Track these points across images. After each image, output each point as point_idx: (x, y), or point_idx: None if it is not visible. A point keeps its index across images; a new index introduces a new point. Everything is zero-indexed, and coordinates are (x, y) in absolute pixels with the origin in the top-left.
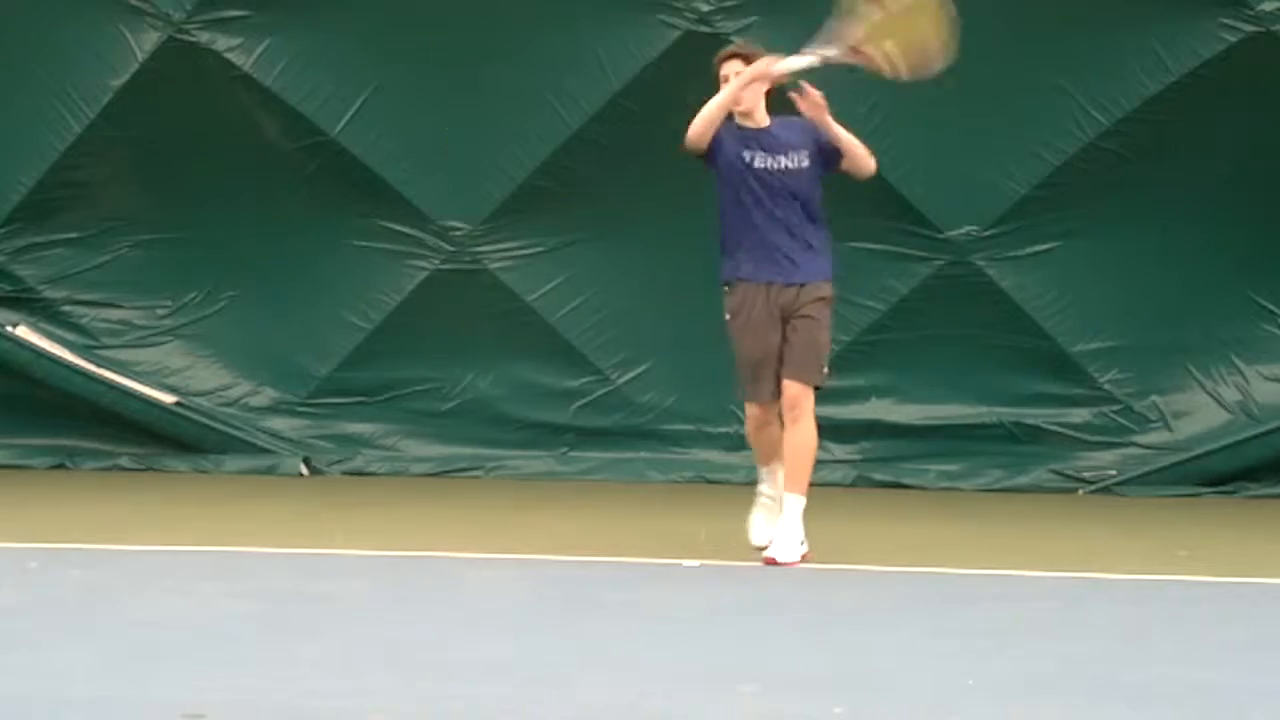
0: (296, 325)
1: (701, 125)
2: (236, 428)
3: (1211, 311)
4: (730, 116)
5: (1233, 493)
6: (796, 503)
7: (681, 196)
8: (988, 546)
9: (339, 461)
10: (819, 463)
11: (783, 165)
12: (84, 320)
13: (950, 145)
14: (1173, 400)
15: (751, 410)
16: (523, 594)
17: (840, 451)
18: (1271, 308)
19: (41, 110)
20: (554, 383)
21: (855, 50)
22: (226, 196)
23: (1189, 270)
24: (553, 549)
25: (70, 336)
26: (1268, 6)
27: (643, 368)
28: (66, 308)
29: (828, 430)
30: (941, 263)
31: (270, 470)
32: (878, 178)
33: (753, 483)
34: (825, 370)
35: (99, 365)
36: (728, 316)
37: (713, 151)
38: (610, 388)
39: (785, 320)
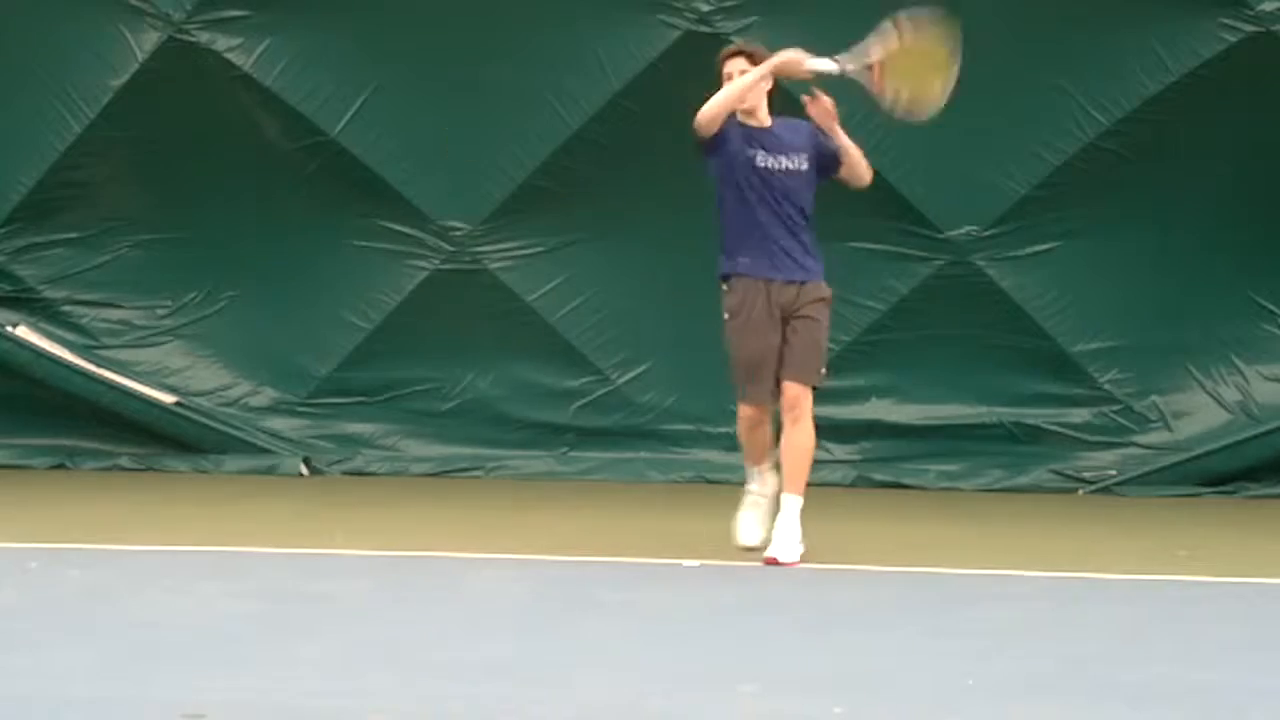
0: (296, 325)
1: (718, 108)
2: (236, 428)
3: (1211, 311)
4: (733, 114)
5: (1233, 493)
6: (796, 503)
7: (681, 196)
8: (988, 546)
9: (339, 461)
10: (819, 463)
11: (783, 165)
12: (84, 320)
13: (950, 145)
14: (1173, 400)
15: (746, 410)
16: (523, 594)
17: (840, 451)
18: (1271, 308)
19: (41, 110)
20: (554, 383)
21: (870, 71)
22: (226, 196)
23: (1189, 270)
24: (553, 549)
25: (70, 336)
26: (1268, 6)
27: (643, 368)
28: (66, 308)
29: (828, 430)
30: (941, 263)
31: (270, 470)
32: (878, 177)
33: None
34: (823, 371)
35: (99, 365)
36: (726, 316)
37: (717, 143)
38: (610, 388)
39: (785, 320)
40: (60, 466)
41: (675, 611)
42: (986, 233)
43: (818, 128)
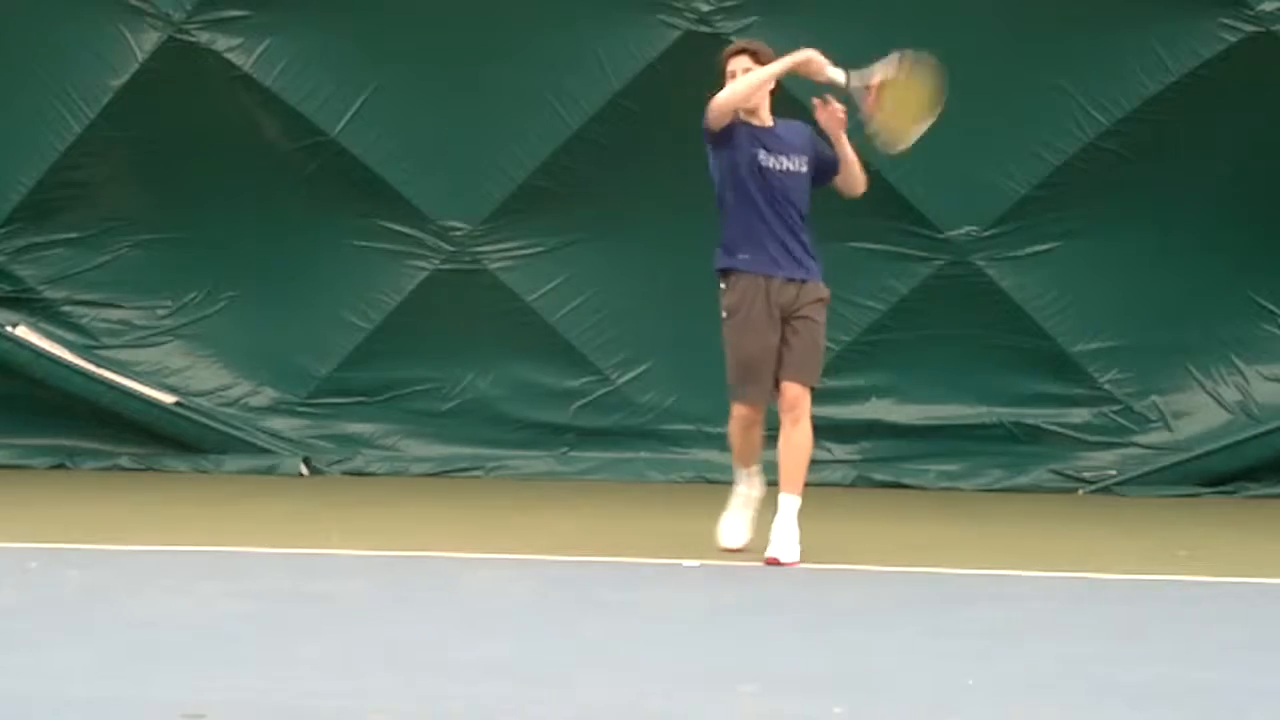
0: (296, 325)
1: (734, 100)
2: (236, 428)
3: (1211, 311)
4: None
5: (1233, 493)
6: (795, 503)
7: (681, 196)
8: (988, 546)
9: (339, 461)
10: (819, 462)
11: (784, 166)
12: (84, 320)
13: (950, 145)
14: (1173, 400)
15: (741, 411)
16: (522, 594)
17: (840, 451)
18: (1271, 308)
19: (41, 110)
20: (554, 383)
21: (868, 91)
22: (226, 196)
23: (1189, 270)
24: (552, 549)
25: (70, 336)
26: (1268, 6)
27: (643, 368)
28: (66, 308)
29: (828, 430)
30: (941, 263)
31: (270, 470)
32: (878, 178)
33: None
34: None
35: (99, 365)
36: (724, 314)
37: (725, 138)
38: (610, 388)
39: (785, 321)
40: (60, 466)
41: (675, 611)
42: (986, 233)
43: (819, 133)
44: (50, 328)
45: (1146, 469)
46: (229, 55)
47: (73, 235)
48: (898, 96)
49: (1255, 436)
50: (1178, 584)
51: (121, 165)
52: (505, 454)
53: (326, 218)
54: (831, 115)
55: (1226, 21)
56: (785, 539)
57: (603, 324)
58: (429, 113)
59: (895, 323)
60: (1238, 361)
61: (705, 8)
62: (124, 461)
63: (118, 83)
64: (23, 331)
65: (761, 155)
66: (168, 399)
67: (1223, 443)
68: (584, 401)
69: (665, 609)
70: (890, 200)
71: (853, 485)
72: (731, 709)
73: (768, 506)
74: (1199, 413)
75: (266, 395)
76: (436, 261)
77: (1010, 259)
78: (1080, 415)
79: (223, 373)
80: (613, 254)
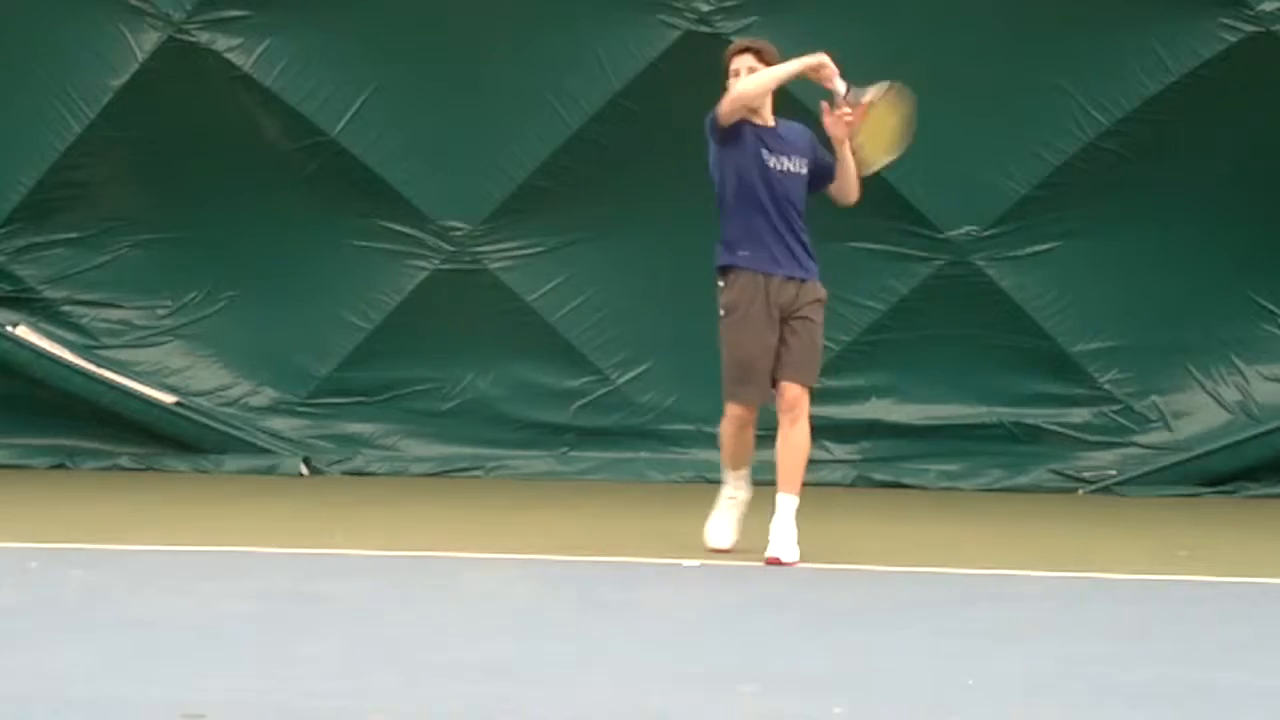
0: (296, 325)
1: (751, 93)
2: (236, 428)
3: (1211, 311)
4: None
5: (1233, 493)
6: (793, 503)
7: (681, 196)
8: (988, 546)
9: (339, 461)
10: (819, 462)
11: (785, 167)
12: (84, 320)
13: (950, 145)
14: (1173, 400)
15: (735, 411)
16: (523, 594)
17: (840, 451)
18: (1271, 308)
19: (41, 110)
20: (554, 383)
21: (858, 107)
22: (227, 196)
23: (1189, 270)
24: (553, 549)
25: (70, 336)
26: (1268, 6)
27: (643, 368)
28: (66, 308)
29: (828, 430)
30: (941, 263)
31: (270, 470)
32: (878, 177)
33: (754, 483)
34: None
35: (99, 365)
36: (722, 312)
37: (733, 135)
38: (610, 388)
39: (783, 321)
40: (60, 466)
41: (675, 611)
42: (986, 233)
43: (817, 137)
44: (50, 328)
45: (1146, 469)
46: (229, 55)
47: (73, 235)
48: (875, 123)
49: (1255, 436)
50: (1178, 584)
51: (121, 165)
52: (505, 454)
53: (326, 218)
54: (838, 121)
55: (1226, 21)
56: (785, 539)
57: (603, 324)
58: (429, 113)
59: (895, 323)
60: (1238, 361)
61: (705, 8)
62: (124, 461)
63: (118, 83)
64: (23, 331)
65: (764, 154)
66: (168, 399)
67: (1223, 443)
68: (584, 401)
69: (665, 609)
70: (890, 200)
71: (853, 485)
72: (731, 709)
73: (764, 507)
74: (1199, 413)
75: (266, 395)
76: (436, 261)
77: (1010, 259)
78: (1080, 415)
79: (223, 373)
80: (613, 254)
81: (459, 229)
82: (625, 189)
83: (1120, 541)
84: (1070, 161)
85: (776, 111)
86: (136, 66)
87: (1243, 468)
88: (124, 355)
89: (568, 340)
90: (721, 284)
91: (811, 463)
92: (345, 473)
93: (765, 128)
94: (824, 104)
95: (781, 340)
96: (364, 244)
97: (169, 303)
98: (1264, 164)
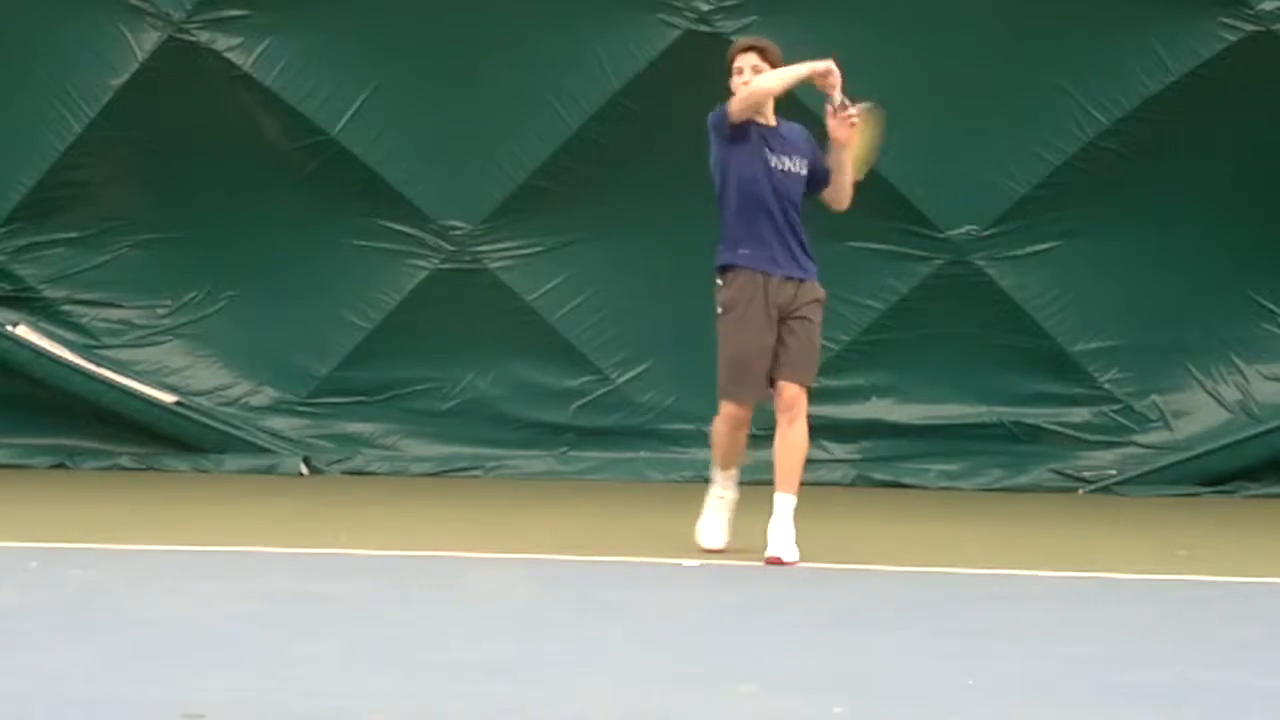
0: (296, 325)
1: (765, 92)
2: (236, 427)
3: (1211, 311)
4: None
5: (1233, 493)
6: (791, 502)
7: (681, 196)
8: (988, 546)
9: (339, 461)
10: (819, 462)
11: (786, 167)
12: (84, 320)
13: (950, 145)
14: (1173, 400)
15: (730, 410)
16: (523, 594)
17: (840, 451)
18: (1271, 308)
19: (41, 110)
20: (554, 383)
21: (847, 121)
22: (227, 196)
23: (1189, 270)
24: (553, 549)
25: (70, 336)
26: (1268, 6)
27: (643, 367)
28: (66, 307)
29: (827, 430)
30: (941, 263)
31: (270, 470)
32: (878, 178)
33: (753, 483)
34: None
35: (99, 365)
36: (719, 310)
37: (740, 134)
38: (610, 387)
39: (782, 321)
40: (60, 466)
41: (675, 611)
42: (986, 233)
43: (816, 140)
44: (50, 327)
45: (1146, 469)
46: (229, 55)
47: (73, 235)
48: (861, 138)
49: (1255, 436)
50: (1178, 584)
51: (121, 165)
52: (505, 454)
53: (326, 217)
54: (843, 124)
55: (1226, 21)
56: (784, 539)
57: (603, 323)
58: (429, 112)
59: (895, 322)
60: (1238, 361)
61: (705, 7)
62: (124, 461)
63: (118, 82)
64: (23, 331)
65: (767, 154)
66: (168, 399)
67: (1223, 442)
68: (584, 401)
69: (665, 609)
70: (890, 200)
71: (853, 485)
72: (731, 709)
73: (763, 506)
74: (1199, 412)
75: (266, 395)
76: (436, 261)
77: (1010, 259)
78: (1080, 415)
79: (223, 372)
80: (613, 254)
81: (459, 229)
82: (625, 189)
83: (1120, 541)
84: (1070, 161)
85: (778, 112)
86: (136, 66)
87: (1243, 467)
88: (124, 355)
89: (568, 340)
90: (719, 282)
91: (811, 462)
92: (345, 472)
93: (768, 127)
94: (828, 107)
95: (780, 340)
96: (364, 243)
97: (169, 302)
98: (1264, 164)
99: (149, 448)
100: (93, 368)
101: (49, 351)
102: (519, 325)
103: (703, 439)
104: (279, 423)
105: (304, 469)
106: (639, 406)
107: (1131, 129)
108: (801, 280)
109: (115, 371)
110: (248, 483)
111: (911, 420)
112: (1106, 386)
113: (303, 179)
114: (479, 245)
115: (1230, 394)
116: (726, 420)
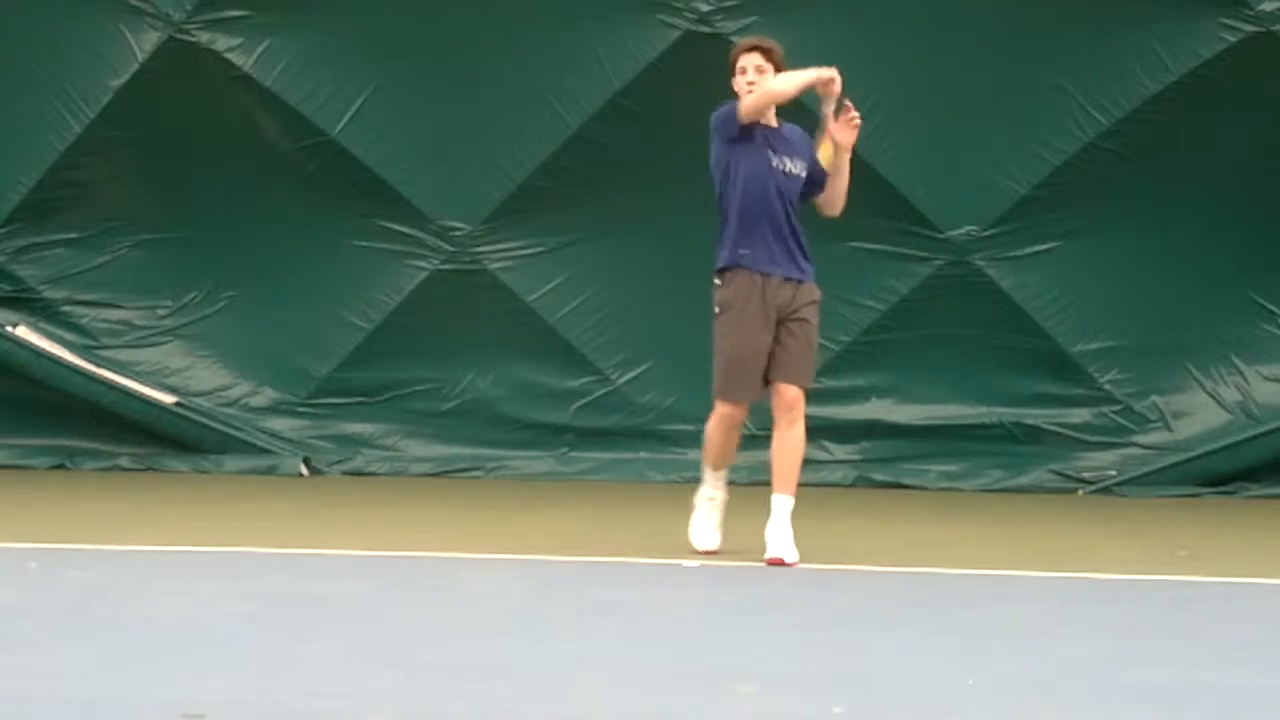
0: (296, 325)
1: (776, 95)
2: (236, 428)
3: (1211, 311)
4: None
5: (1233, 493)
6: (789, 503)
7: (681, 196)
8: (988, 546)
9: (339, 461)
10: (819, 462)
11: (788, 168)
12: (84, 320)
13: (950, 145)
14: (1173, 400)
15: (725, 410)
16: (522, 594)
17: (840, 451)
18: (1271, 308)
19: (41, 110)
20: (554, 383)
21: (852, 124)
22: (226, 196)
23: (1189, 270)
24: (553, 549)
25: (70, 336)
26: (1268, 6)
27: (643, 368)
28: (66, 308)
29: (827, 430)
30: (941, 263)
31: (270, 470)
32: (878, 178)
33: (753, 484)
34: None
35: (99, 365)
36: (717, 310)
37: (747, 133)
38: (610, 388)
39: (780, 322)
40: (60, 466)
41: (675, 611)
42: (986, 233)
43: (814, 142)
44: (50, 328)
45: (1146, 469)
46: (229, 55)
47: (73, 235)
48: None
49: (1255, 436)
50: (1178, 584)
51: (121, 165)
52: (505, 454)
53: (326, 217)
54: (847, 126)
55: (1226, 21)
56: (784, 539)
57: (603, 324)
58: (429, 113)
59: (895, 323)
60: (1238, 361)
61: (705, 8)
62: (124, 461)
63: (118, 83)
64: (23, 331)
65: (770, 155)
66: (168, 399)
67: (1223, 443)
68: (584, 402)
69: (665, 609)
70: (890, 200)
71: (853, 485)
72: (731, 709)
73: (761, 506)
74: (1199, 413)
75: (266, 395)
76: (436, 261)
77: (1010, 259)
78: (1080, 415)
79: (223, 373)
80: (613, 254)
81: (459, 229)
82: (625, 189)
83: (1120, 542)
84: (1070, 161)
85: (779, 113)
86: (136, 66)
87: (1243, 468)
88: (124, 355)
89: (568, 340)
90: (717, 282)
91: (811, 463)
92: (345, 473)
93: (771, 129)
94: (826, 112)
95: (778, 341)
96: (364, 244)
97: (169, 303)
98: (1264, 164)
99: (149, 448)
100: (93, 368)
101: (49, 352)
102: (519, 326)
103: (702, 440)
104: (279, 423)
105: (304, 470)
106: (639, 407)
107: (1131, 129)
108: (800, 281)
109: (115, 372)
110: (247, 483)
111: (911, 421)
112: (1106, 387)
113: (303, 179)
114: (479, 246)
115: (1230, 395)
116: (721, 420)
